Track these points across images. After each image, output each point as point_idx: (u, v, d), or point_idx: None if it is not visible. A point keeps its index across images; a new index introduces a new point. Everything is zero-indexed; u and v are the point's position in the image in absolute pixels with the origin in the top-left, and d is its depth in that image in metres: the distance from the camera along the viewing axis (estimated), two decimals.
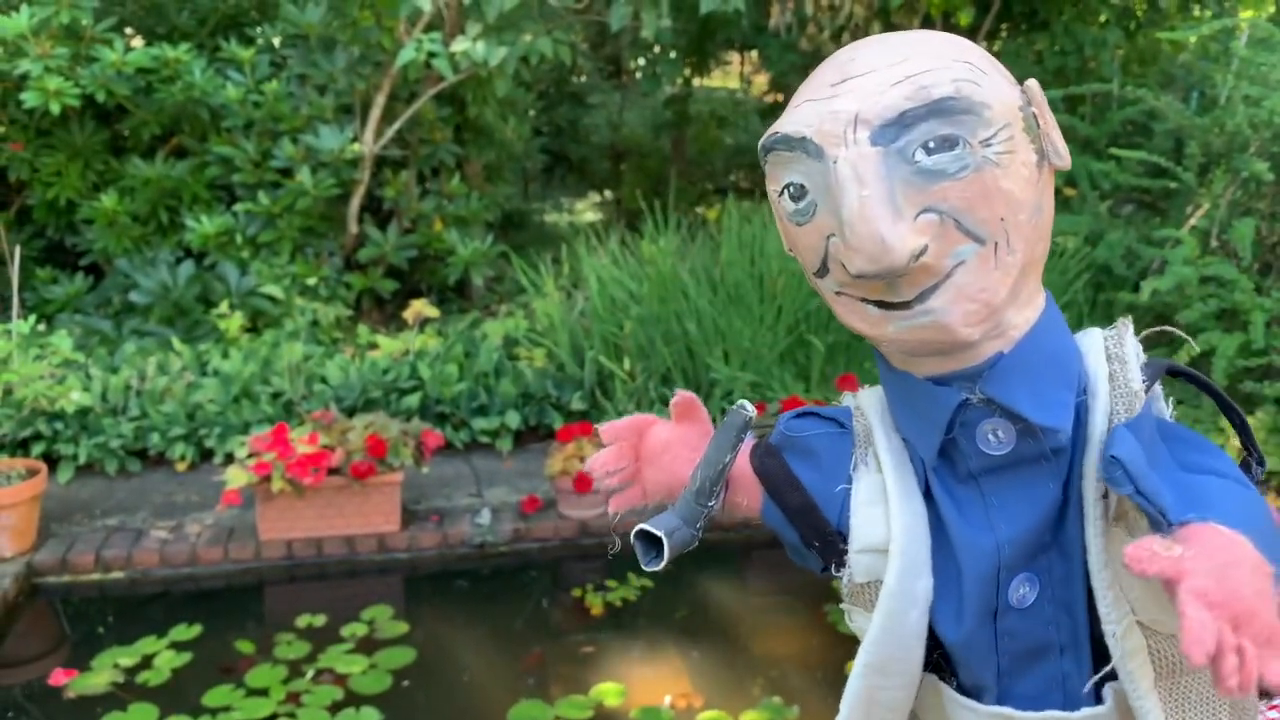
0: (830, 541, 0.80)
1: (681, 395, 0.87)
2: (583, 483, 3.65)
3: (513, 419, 4.41)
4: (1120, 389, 0.71)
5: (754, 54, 8.49)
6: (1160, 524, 0.61)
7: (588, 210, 9.27)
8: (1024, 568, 0.73)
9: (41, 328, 4.17)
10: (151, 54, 4.80)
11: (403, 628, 3.16)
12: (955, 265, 0.65)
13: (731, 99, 9.68)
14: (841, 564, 0.79)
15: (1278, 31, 4.10)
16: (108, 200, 5.10)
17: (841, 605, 0.83)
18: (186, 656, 2.98)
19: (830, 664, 2.97)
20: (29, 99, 4.48)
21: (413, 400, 4.33)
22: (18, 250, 4.38)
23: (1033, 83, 0.70)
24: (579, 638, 3.17)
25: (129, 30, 5.73)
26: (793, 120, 0.68)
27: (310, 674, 2.90)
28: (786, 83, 6.86)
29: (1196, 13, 5.88)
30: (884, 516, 0.76)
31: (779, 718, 2.70)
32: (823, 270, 0.70)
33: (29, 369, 3.61)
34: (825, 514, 0.81)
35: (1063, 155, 0.69)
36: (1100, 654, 0.73)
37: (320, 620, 3.19)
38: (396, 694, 2.82)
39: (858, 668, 0.77)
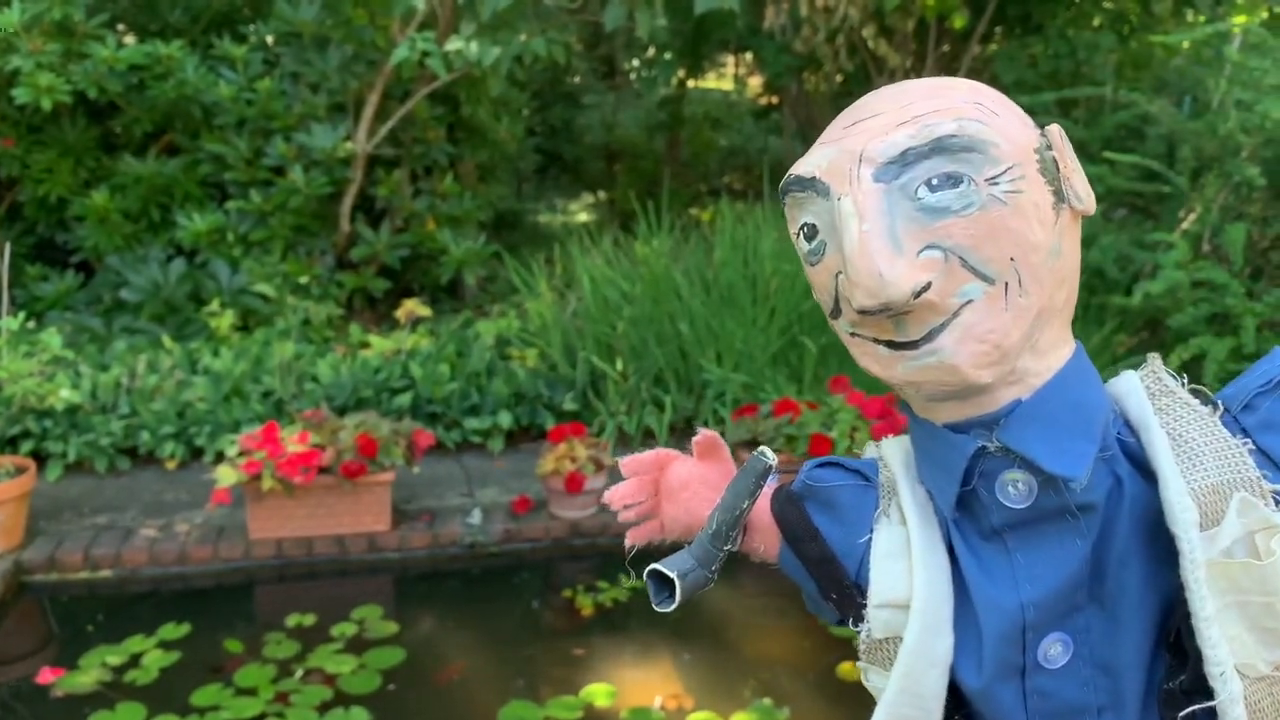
0: (848, 595, 0.79)
1: (704, 434, 0.86)
2: (574, 483, 3.64)
3: (504, 419, 4.41)
4: (1181, 413, 0.70)
5: (749, 56, 8.50)
6: None
7: (581, 211, 9.26)
8: (1055, 628, 0.71)
9: (31, 325, 4.15)
10: (144, 51, 4.79)
11: (393, 628, 3.14)
12: (962, 304, 0.64)
13: (726, 101, 9.70)
14: (860, 618, 0.77)
15: (1270, 37, 4.11)
16: (99, 197, 5.09)
17: (858, 663, 0.80)
18: (175, 655, 2.97)
19: (821, 667, 2.97)
20: (20, 95, 4.46)
21: (404, 400, 4.32)
22: (8, 247, 4.36)
23: (1055, 127, 0.69)
24: (569, 638, 3.17)
25: (121, 27, 5.71)
26: (806, 162, 0.69)
27: (299, 674, 2.89)
28: (781, 85, 6.86)
29: (1190, 18, 5.90)
30: (905, 571, 0.74)
31: (769, 719, 2.70)
32: (836, 310, 0.70)
33: (18, 366, 3.59)
34: (844, 566, 0.79)
35: (1084, 199, 0.68)
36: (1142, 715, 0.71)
37: (310, 620, 3.18)
38: (386, 694, 2.81)
39: None
